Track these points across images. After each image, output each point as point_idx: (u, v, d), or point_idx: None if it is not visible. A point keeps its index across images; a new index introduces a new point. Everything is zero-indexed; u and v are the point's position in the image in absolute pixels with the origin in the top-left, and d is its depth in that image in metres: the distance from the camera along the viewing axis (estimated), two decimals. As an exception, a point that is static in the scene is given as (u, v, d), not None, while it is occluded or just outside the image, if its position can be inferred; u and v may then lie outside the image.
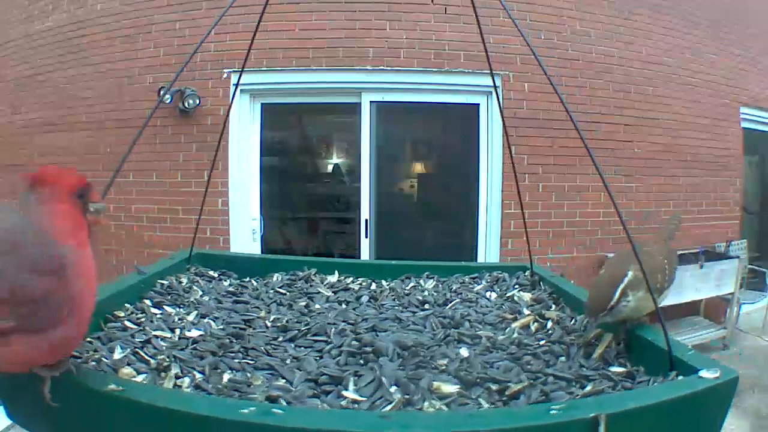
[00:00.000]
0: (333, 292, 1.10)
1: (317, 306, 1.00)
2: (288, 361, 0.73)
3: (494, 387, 0.66)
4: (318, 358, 0.75)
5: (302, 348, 0.80)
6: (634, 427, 0.54)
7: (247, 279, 1.14)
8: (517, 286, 1.13)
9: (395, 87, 3.66)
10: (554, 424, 0.51)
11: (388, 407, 0.60)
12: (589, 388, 0.66)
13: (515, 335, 0.86)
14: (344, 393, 0.64)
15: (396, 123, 4.01)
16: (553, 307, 0.99)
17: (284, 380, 0.67)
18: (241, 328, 0.84)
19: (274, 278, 1.16)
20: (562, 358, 0.77)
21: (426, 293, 1.09)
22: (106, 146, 3.69)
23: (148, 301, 0.90)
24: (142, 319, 0.83)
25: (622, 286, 0.76)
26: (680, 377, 0.64)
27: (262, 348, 0.77)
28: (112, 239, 3.61)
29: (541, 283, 1.13)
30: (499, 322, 0.93)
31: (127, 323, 0.80)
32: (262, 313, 0.93)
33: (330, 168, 5.58)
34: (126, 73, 3.69)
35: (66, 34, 3.90)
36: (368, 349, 0.76)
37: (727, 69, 4.39)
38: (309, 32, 3.54)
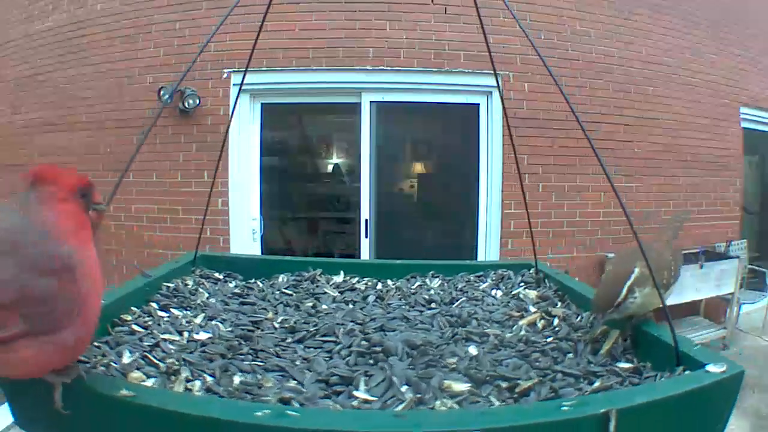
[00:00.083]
0: (339, 292, 1.10)
1: (324, 306, 1.00)
2: (298, 363, 0.73)
3: (504, 384, 0.66)
4: (328, 358, 0.75)
5: (311, 349, 0.79)
6: (644, 421, 0.55)
7: (253, 280, 1.14)
8: (522, 284, 1.14)
9: (395, 87, 3.65)
10: (566, 420, 0.52)
11: (400, 406, 0.60)
12: (597, 384, 0.66)
13: (523, 333, 0.87)
14: (355, 393, 0.64)
15: (396, 123, 4.01)
16: (559, 304, 1.00)
17: (295, 381, 0.67)
18: (249, 330, 0.84)
19: (280, 279, 1.16)
20: (570, 355, 0.77)
21: (432, 292, 1.09)
22: (106, 146, 3.70)
23: (154, 304, 0.90)
24: (150, 323, 0.82)
25: (629, 282, 0.77)
26: (687, 372, 0.64)
27: (272, 349, 0.77)
28: (112, 239, 3.61)
29: (546, 280, 1.13)
30: (506, 320, 0.94)
31: (135, 327, 0.79)
32: (270, 315, 0.93)
33: (330, 168, 5.58)
34: (126, 73, 3.69)
35: (66, 34, 3.90)
36: (377, 348, 0.76)
37: (727, 69, 4.39)
38: (309, 32, 3.54)
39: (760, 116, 4.67)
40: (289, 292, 1.08)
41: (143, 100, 3.61)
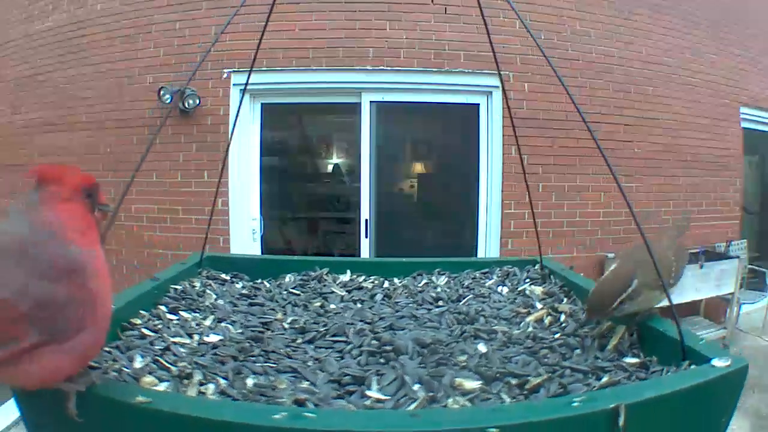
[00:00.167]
0: (347, 291, 1.10)
1: (333, 306, 1.00)
2: (310, 363, 0.73)
3: (514, 381, 0.66)
4: (339, 358, 0.75)
5: (322, 349, 0.80)
6: (652, 415, 0.55)
7: (260, 281, 1.14)
8: (528, 280, 1.14)
9: (395, 87, 3.65)
10: (577, 416, 0.52)
11: (413, 405, 0.61)
12: (605, 379, 0.67)
13: (530, 329, 0.87)
14: (368, 393, 0.64)
15: (396, 123, 4.01)
16: (565, 300, 1.00)
17: (308, 382, 0.67)
18: (259, 332, 0.84)
19: (287, 279, 1.16)
20: (578, 351, 0.78)
21: (439, 290, 1.10)
22: (106, 146, 3.70)
23: (163, 308, 0.90)
24: (159, 326, 0.82)
25: (623, 296, 0.77)
26: (693, 366, 0.65)
27: (283, 350, 0.77)
28: (112, 239, 3.61)
29: (551, 276, 1.13)
30: (513, 317, 0.94)
31: (145, 331, 0.79)
32: (279, 315, 0.93)
33: (330, 168, 5.58)
34: (126, 73, 3.69)
35: (66, 34, 3.90)
36: (388, 347, 0.76)
37: (727, 69, 4.39)
38: (309, 32, 3.54)
39: (760, 116, 4.67)
40: (297, 292, 1.08)
41: (143, 100, 3.61)
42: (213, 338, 0.79)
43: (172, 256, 3.57)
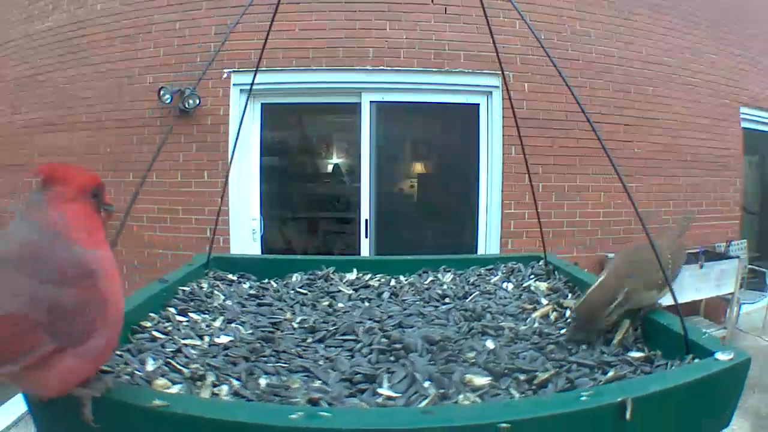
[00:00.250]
0: (354, 290, 1.10)
1: (341, 305, 1.01)
2: (321, 362, 0.74)
3: (522, 377, 0.67)
4: (349, 357, 0.76)
5: (332, 348, 0.80)
6: (657, 408, 0.56)
7: (266, 280, 1.15)
8: (532, 276, 1.15)
9: (395, 87, 3.65)
10: (586, 410, 0.53)
11: (424, 402, 0.61)
12: (611, 373, 0.68)
13: (536, 325, 0.88)
14: (379, 390, 0.64)
15: (396, 123, 4.01)
16: (570, 295, 1.01)
17: (320, 381, 0.67)
18: (269, 332, 0.85)
19: (294, 278, 1.16)
20: (583, 346, 0.79)
21: (445, 287, 1.10)
22: (106, 146, 3.70)
23: (172, 309, 0.90)
24: (170, 328, 0.82)
25: (611, 308, 0.78)
26: (696, 360, 0.66)
27: (293, 350, 0.78)
28: (111, 240, 3.60)
29: (555, 272, 1.14)
30: (519, 313, 0.95)
31: (155, 333, 0.79)
32: (288, 315, 0.93)
33: (330, 168, 5.58)
34: (126, 73, 3.69)
35: (66, 34, 3.90)
36: (398, 345, 0.77)
37: (727, 69, 4.39)
38: (309, 32, 3.54)
39: (760, 116, 4.67)
40: (304, 292, 1.09)
41: (143, 100, 3.61)
42: (224, 339, 0.79)
43: (172, 256, 3.57)
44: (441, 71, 3.60)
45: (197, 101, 3.48)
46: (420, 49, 3.58)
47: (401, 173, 4.52)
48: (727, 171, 4.36)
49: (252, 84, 1.28)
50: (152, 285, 0.94)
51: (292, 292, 1.08)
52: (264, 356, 0.74)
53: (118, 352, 0.69)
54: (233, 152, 1.30)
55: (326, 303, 1.01)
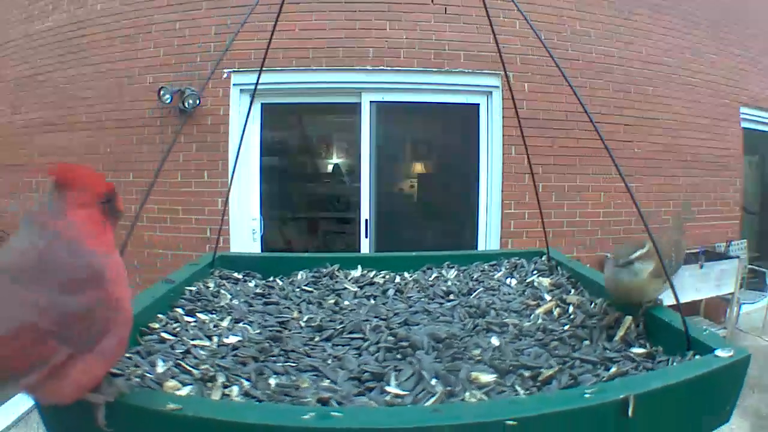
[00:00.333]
0: (359, 287, 1.10)
1: (347, 303, 1.01)
2: (329, 361, 0.74)
3: (527, 374, 0.68)
4: (357, 355, 0.76)
5: (340, 347, 0.81)
6: (659, 404, 0.57)
7: (272, 279, 1.14)
8: (535, 272, 1.15)
9: (395, 87, 3.65)
10: (589, 407, 0.54)
11: (432, 400, 0.62)
12: (613, 369, 0.68)
13: (540, 321, 0.89)
14: (387, 388, 0.65)
15: (396, 123, 4.01)
16: (573, 291, 1.01)
17: (329, 381, 0.68)
18: (277, 331, 0.84)
19: (299, 276, 1.16)
20: (587, 342, 0.79)
21: (449, 283, 1.11)
22: (106, 146, 3.69)
23: (180, 310, 0.89)
24: (178, 329, 0.82)
25: (638, 253, 0.79)
26: (697, 356, 0.67)
27: (302, 349, 0.78)
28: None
29: (558, 267, 1.14)
30: (523, 309, 0.95)
31: (164, 335, 0.79)
32: (295, 314, 0.93)
33: (330, 168, 5.58)
34: (126, 73, 3.69)
35: (66, 34, 3.90)
36: (404, 343, 0.77)
37: (727, 69, 4.39)
38: (309, 32, 3.54)
39: (760, 116, 4.67)
40: (310, 289, 1.09)
41: (143, 100, 3.61)
42: (232, 339, 0.79)
43: (172, 256, 3.57)
44: (441, 71, 3.60)
45: (197, 101, 3.48)
46: (420, 49, 3.58)
47: (401, 173, 4.52)
48: (727, 171, 4.36)
49: (257, 84, 1.28)
50: (159, 286, 0.93)
51: (298, 290, 1.08)
52: (273, 356, 0.74)
53: (128, 355, 0.69)
54: (238, 152, 1.29)
55: (332, 301, 1.01)
